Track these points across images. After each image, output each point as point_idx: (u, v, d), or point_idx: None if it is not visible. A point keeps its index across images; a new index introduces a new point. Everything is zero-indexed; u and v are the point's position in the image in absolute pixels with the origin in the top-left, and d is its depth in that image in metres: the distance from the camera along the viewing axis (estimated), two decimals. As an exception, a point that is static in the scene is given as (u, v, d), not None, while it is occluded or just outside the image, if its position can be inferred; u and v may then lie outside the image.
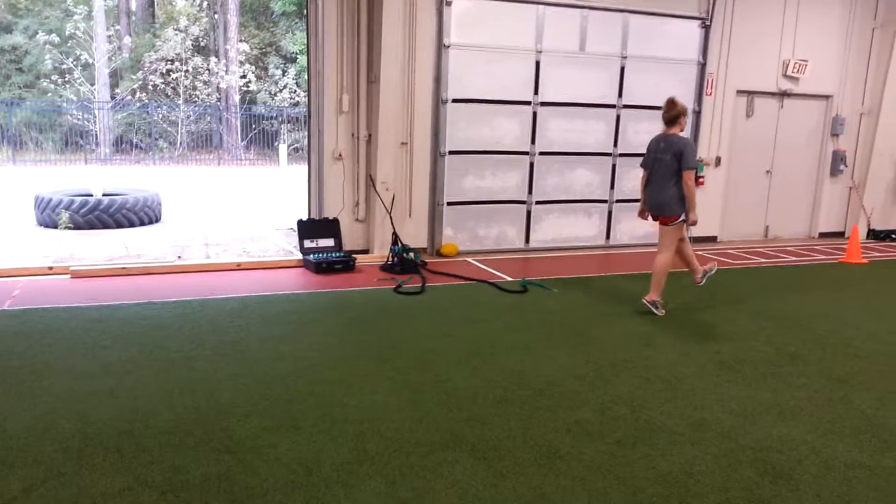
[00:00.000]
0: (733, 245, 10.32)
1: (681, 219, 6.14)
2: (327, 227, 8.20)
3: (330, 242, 8.12)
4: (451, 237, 8.86)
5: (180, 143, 25.39)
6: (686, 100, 9.62)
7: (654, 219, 6.36)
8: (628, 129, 9.54)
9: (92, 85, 25.08)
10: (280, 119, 26.38)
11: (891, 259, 9.84)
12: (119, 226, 10.19)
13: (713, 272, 6.65)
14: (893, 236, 11.37)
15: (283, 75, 27.18)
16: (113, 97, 25.55)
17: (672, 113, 6.12)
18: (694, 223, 6.18)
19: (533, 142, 9.08)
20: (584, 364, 4.93)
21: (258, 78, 27.40)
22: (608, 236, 9.79)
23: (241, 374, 4.49)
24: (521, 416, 4.02)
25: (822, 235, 11.30)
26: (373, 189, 8.29)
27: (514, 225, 9.23)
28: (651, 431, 3.87)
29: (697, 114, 9.85)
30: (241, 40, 27.26)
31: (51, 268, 7.19)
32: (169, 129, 25.53)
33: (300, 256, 7.93)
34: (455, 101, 8.56)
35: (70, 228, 9.73)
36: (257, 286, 6.86)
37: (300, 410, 3.97)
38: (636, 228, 9.80)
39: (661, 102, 9.48)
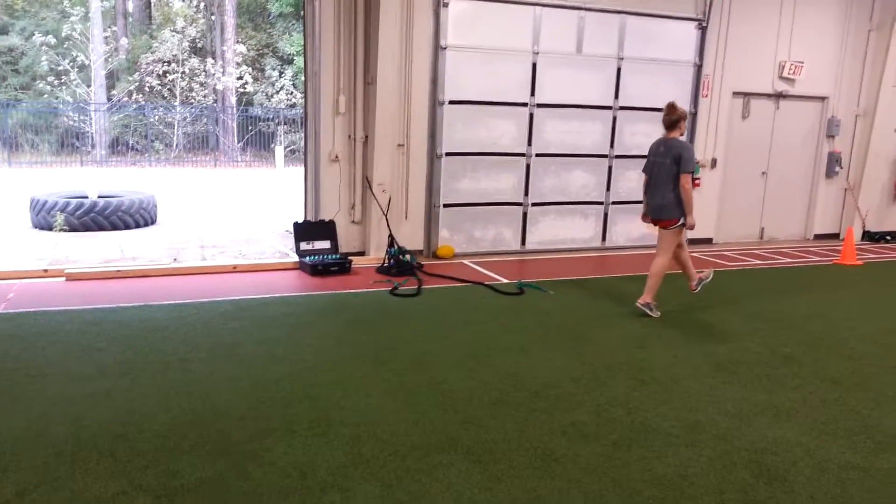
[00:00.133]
0: (729, 247, 10.34)
1: (680, 222, 6.17)
2: (323, 229, 8.19)
3: (326, 245, 8.12)
4: (447, 239, 8.86)
5: (176, 145, 25.37)
6: (682, 101, 9.67)
7: (654, 223, 6.39)
8: (625, 130, 9.56)
9: (88, 86, 25.05)
10: (277, 121, 26.37)
11: (886, 260, 9.87)
12: (114, 228, 10.17)
13: (709, 280, 6.68)
14: (888, 238, 11.40)
15: (280, 77, 27.18)
16: (109, 99, 25.52)
17: (672, 117, 6.18)
18: (691, 227, 6.22)
19: (529, 143, 9.09)
20: (580, 366, 4.93)
21: (255, 79, 27.40)
22: (604, 238, 9.80)
23: (237, 377, 4.49)
24: (517, 418, 4.02)
25: (818, 237, 11.33)
26: (369, 191, 8.28)
27: (510, 227, 9.23)
28: (646, 433, 3.87)
29: (693, 115, 9.87)
30: (237, 42, 27.26)
31: (46, 270, 7.17)
32: (165, 130, 25.51)
33: (296, 259, 7.93)
34: (452, 102, 8.56)
35: (65, 231, 9.71)
36: (253, 288, 6.85)
37: (296, 413, 3.97)
38: (632, 230, 9.82)
39: (657, 104, 9.54)
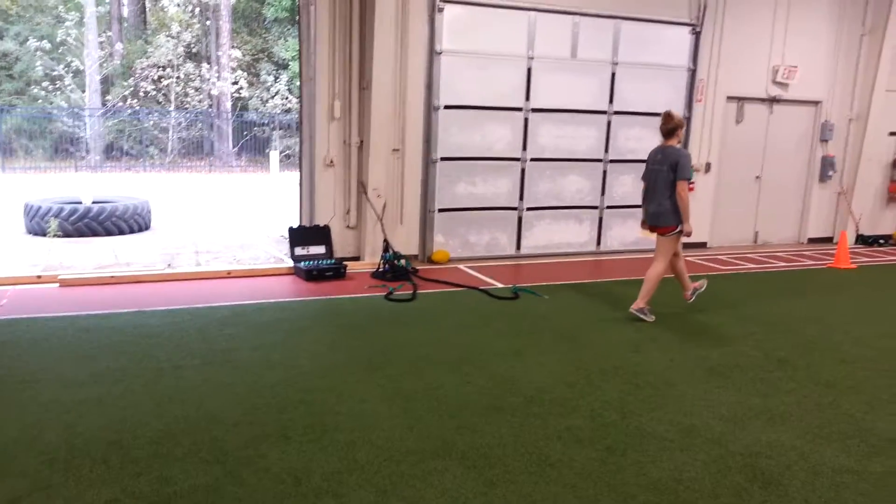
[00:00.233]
0: (723, 251, 10.36)
1: (677, 229, 6.22)
2: (318, 234, 8.18)
3: (321, 250, 8.11)
4: (442, 244, 8.86)
5: (171, 150, 25.33)
6: (677, 106, 9.74)
7: (652, 230, 6.44)
8: (619, 135, 9.58)
9: (83, 92, 25.00)
10: (272, 126, 26.37)
11: (879, 264, 9.91)
12: (108, 234, 10.14)
13: (703, 289, 6.73)
14: (882, 241, 11.45)
15: (275, 82, 27.19)
16: (104, 104, 25.47)
17: (669, 125, 6.25)
18: (688, 234, 6.28)
19: (524, 148, 9.10)
20: (575, 370, 4.93)
21: (250, 84, 27.40)
22: (599, 242, 9.82)
23: (231, 383, 4.47)
24: (512, 423, 4.01)
25: (811, 241, 11.36)
26: (364, 196, 8.28)
27: (505, 231, 9.24)
28: (641, 438, 3.87)
29: (688, 120, 9.90)
30: (233, 46, 27.27)
31: (39, 276, 7.14)
32: (160, 135, 25.48)
33: (291, 264, 7.92)
34: (447, 107, 8.57)
35: (59, 236, 9.67)
36: (248, 294, 6.83)
37: (290, 419, 3.96)
38: (626, 235, 9.84)
39: (652, 109, 9.66)
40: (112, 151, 24.74)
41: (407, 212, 8.67)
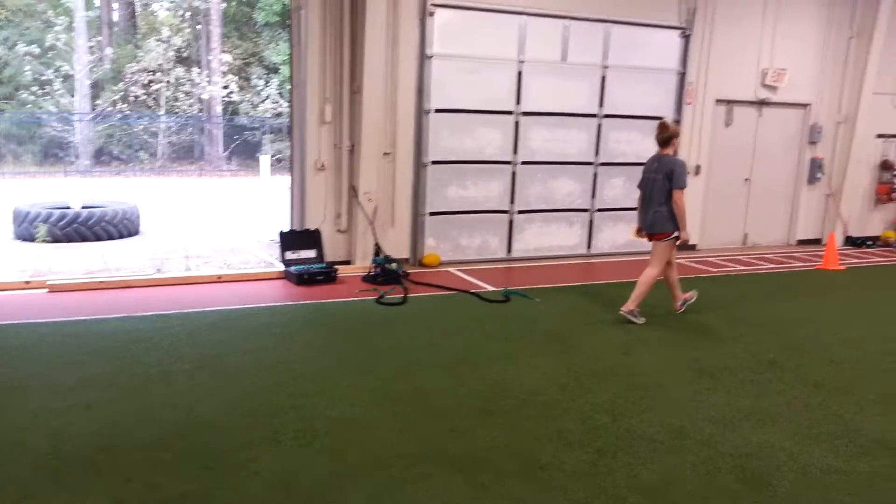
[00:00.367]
0: (713, 253, 10.40)
1: (672, 236, 6.31)
2: (309, 238, 8.16)
3: (312, 254, 8.09)
4: (433, 247, 8.86)
5: (161, 155, 25.24)
6: (666, 109, 9.79)
7: (648, 237, 6.53)
8: (609, 138, 9.62)
9: (72, 96, 24.89)
10: (262, 130, 26.32)
11: (867, 265, 9.98)
12: (98, 239, 10.09)
13: (693, 301, 6.80)
14: (870, 243, 11.53)
15: (266, 86, 27.14)
16: (93, 108, 25.36)
17: (665, 135, 6.37)
18: (685, 241, 6.39)
19: (515, 151, 9.12)
20: (566, 373, 4.94)
21: (241, 88, 27.34)
22: (589, 245, 9.84)
23: (221, 388, 4.46)
24: (503, 426, 4.02)
25: (801, 242, 11.43)
26: (355, 200, 8.28)
27: (496, 234, 9.25)
28: (632, 440, 3.88)
29: (677, 123, 9.92)
30: (223, 51, 27.21)
31: (28, 282, 7.09)
32: (150, 140, 25.38)
33: (282, 268, 7.89)
34: (438, 111, 8.58)
35: (48, 242, 9.61)
36: (238, 298, 6.81)
37: (281, 424, 3.95)
38: (617, 237, 9.87)
39: (642, 112, 9.71)
40: (101, 156, 24.61)
41: (398, 215, 8.66)
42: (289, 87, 8.69)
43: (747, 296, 7.71)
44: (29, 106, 24.55)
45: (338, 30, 8.06)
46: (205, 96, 26.65)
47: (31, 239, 9.73)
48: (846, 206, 11.38)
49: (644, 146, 9.75)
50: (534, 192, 9.34)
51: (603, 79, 9.43)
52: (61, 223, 9.90)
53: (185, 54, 27.18)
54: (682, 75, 9.90)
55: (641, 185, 6.58)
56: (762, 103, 10.71)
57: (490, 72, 8.79)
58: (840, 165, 11.28)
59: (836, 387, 4.84)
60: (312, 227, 8.27)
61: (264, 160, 23.34)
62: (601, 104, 9.48)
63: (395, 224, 8.64)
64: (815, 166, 11.15)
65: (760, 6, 10.29)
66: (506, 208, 9.22)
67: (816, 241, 11.42)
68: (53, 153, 23.68)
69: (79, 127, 24.19)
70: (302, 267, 7.70)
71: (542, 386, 4.67)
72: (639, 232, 6.70)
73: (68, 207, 10.59)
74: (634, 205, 9.42)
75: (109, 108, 25.39)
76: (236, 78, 27.27)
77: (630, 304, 6.32)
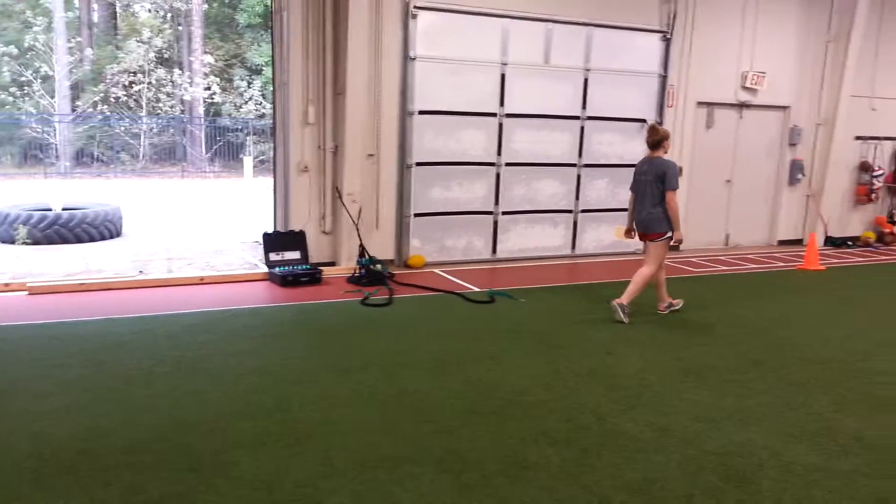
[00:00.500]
0: (695, 253, 10.48)
1: (666, 236, 6.42)
2: (293, 239, 8.13)
3: (296, 255, 8.05)
4: (418, 248, 8.85)
5: (143, 156, 25.00)
6: (648, 111, 9.87)
7: (641, 238, 6.64)
8: (592, 139, 9.67)
9: (52, 97, 24.60)
10: (245, 131, 26.16)
11: (847, 265, 10.11)
12: (79, 241, 9.97)
13: (678, 307, 6.86)
14: (850, 243, 11.68)
15: (249, 87, 26.98)
16: (74, 110, 25.07)
17: (655, 138, 6.52)
18: (680, 241, 6.51)
19: (499, 153, 9.14)
20: (551, 373, 4.95)
21: (223, 90, 27.16)
22: (574, 246, 9.88)
23: (204, 391, 4.42)
24: (489, 426, 4.02)
25: (781, 243, 11.55)
26: (339, 201, 8.25)
27: (481, 236, 9.26)
28: (616, 439, 3.90)
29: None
30: (205, 52, 27.01)
31: (7, 284, 6.99)
32: (131, 141, 25.13)
33: (265, 270, 7.85)
34: (422, 112, 8.58)
35: (28, 244, 9.50)
36: (221, 300, 6.76)
37: (264, 426, 3.92)
38: (601, 238, 9.93)
39: (624, 114, 9.80)
40: (82, 158, 24.34)
41: (383, 216, 8.65)
42: (271, 88, 8.65)
43: (730, 296, 7.78)
44: (8, 107, 24.22)
45: (320, 32, 8.04)
46: (187, 98, 26.45)
47: (11, 241, 9.61)
48: (826, 206, 11.52)
49: (627, 148, 9.86)
50: (518, 193, 9.36)
51: (585, 81, 9.48)
52: (42, 225, 9.77)
53: (166, 55, 26.96)
54: (664, 78, 9.98)
55: (633, 188, 6.68)
56: (742, 106, 10.82)
57: (474, 74, 8.81)
58: (820, 167, 11.42)
59: (817, 386, 4.90)
60: (296, 229, 8.24)
61: (247, 161, 23.19)
62: (584, 106, 9.53)
63: (379, 225, 8.62)
64: (796, 168, 11.28)
65: (740, 10, 10.41)
66: (490, 209, 9.24)
67: (797, 242, 11.55)
68: (33, 154, 23.38)
69: (59, 128, 23.91)
70: (286, 268, 7.66)
71: (528, 386, 4.68)
72: (628, 233, 6.83)
73: (49, 209, 10.46)
74: (618, 206, 9.54)
75: (90, 110, 25.11)
76: (218, 79, 27.08)
77: (623, 299, 6.40)
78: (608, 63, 9.55)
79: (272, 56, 8.43)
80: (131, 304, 6.51)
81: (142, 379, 4.57)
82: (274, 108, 8.54)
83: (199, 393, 4.37)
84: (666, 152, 6.57)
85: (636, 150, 9.91)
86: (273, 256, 7.89)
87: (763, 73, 10.67)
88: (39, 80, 24.40)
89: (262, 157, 24.96)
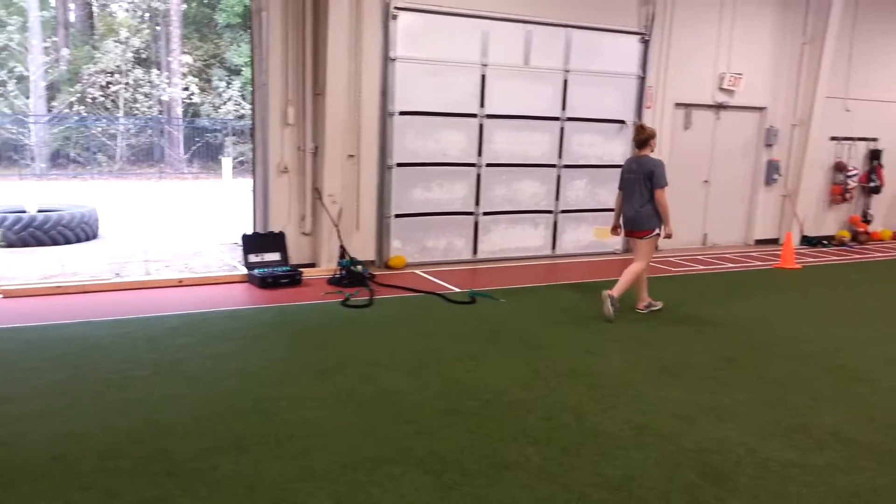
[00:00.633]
0: (673, 253, 10.57)
1: (654, 233, 6.56)
2: (273, 240, 8.08)
3: (276, 256, 8.00)
4: (399, 249, 8.84)
5: (120, 157, 24.71)
6: (626, 112, 9.95)
7: (629, 235, 6.77)
8: (572, 140, 9.72)
9: (27, 98, 24.23)
10: (224, 132, 25.95)
11: (823, 264, 10.25)
12: (54, 243, 9.83)
13: (657, 309, 6.92)
14: (825, 242, 11.85)
15: (228, 87, 26.77)
16: (49, 110, 24.71)
17: (642, 137, 6.65)
18: (669, 236, 6.67)
19: (479, 154, 9.15)
20: (531, 373, 4.97)
21: (202, 90, 26.92)
22: (554, 246, 9.92)
23: (182, 394, 4.38)
24: (469, 426, 4.02)
25: (758, 242, 11.69)
26: (319, 202, 8.21)
27: (461, 236, 9.27)
28: (595, 437, 3.93)
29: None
30: (184, 52, 26.76)
31: (-20, 287, 6.88)
32: (108, 142, 24.83)
33: (245, 271, 7.79)
34: (402, 113, 8.57)
35: (2, 246, 9.35)
36: (200, 303, 6.70)
37: (244, 429, 3.89)
38: (581, 238, 9.98)
39: (603, 115, 9.86)
40: (58, 159, 24.00)
41: (363, 217, 8.63)
42: (251, 88, 8.59)
43: (707, 295, 7.86)
44: (-18, 108, 23.86)
45: (300, 31, 8.00)
46: (165, 98, 26.19)
47: (-16, 244, 9.45)
48: (802, 206, 11.68)
49: (606, 149, 9.93)
50: (499, 193, 9.39)
51: (565, 82, 9.53)
52: (16, 227, 9.62)
53: (144, 56, 26.67)
54: (642, 79, 10.05)
55: (621, 186, 6.78)
56: (720, 107, 10.94)
57: (454, 75, 8.82)
58: (796, 167, 11.57)
59: (793, 382, 4.97)
60: (276, 230, 8.19)
61: (226, 162, 23.01)
62: (563, 107, 9.58)
63: (360, 226, 8.60)
64: (772, 168, 11.43)
65: (717, 13, 10.52)
66: (471, 210, 9.25)
67: (774, 241, 11.69)
68: (8, 156, 23.01)
69: (34, 129, 23.55)
70: (266, 270, 7.61)
71: (508, 386, 4.69)
72: (614, 230, 6.99)
73: (24, 211, 10.29)
74: (597, 206, 9.59)
75: (66, 111, 24.77)
76: (197, 80, 26.85)
77: (615, 291, 6.49)
78: (587, 64, 9.61)
79: (251, 56, 8.38)
80: (108, 306, 6.43)
81: (119, 382, 4.52)
82: (253, 109, 8.48)
83: (177, 396, 4.33)
84: (653, 151, 6.67)
85: (615, 150, 10.01)
86: (252, 258, 7.84)
87: (740, 74, 10.79)
88: (14, 81, 24.02)
89: (241, 158, 24.77)
